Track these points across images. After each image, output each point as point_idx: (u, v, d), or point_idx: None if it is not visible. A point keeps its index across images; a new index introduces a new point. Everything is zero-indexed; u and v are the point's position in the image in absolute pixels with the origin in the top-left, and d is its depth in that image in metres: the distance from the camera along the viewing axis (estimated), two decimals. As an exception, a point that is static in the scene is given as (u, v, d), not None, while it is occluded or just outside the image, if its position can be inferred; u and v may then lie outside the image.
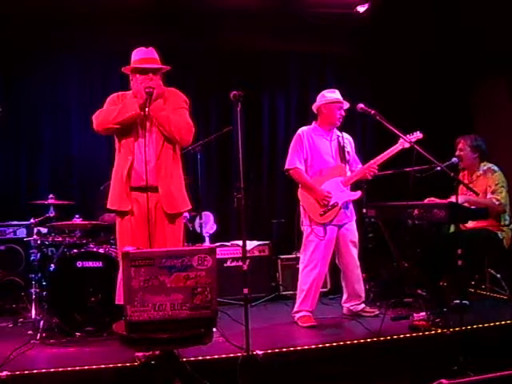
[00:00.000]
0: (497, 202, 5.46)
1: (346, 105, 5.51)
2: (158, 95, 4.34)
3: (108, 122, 4.30)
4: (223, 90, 4.91)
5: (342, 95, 5.54)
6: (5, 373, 3.89)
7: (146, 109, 4.27)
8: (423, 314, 4.97)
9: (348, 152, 5.57)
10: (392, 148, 5.42)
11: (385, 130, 5.04)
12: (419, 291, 5.66)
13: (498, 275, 5.96)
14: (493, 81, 7.67)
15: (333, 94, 5.50)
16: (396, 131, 5.08)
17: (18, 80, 6.98)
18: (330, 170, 5.44)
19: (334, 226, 5.36)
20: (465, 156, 5.70)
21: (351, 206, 5.54)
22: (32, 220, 5.70)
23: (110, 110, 4.36)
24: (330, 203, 5.31)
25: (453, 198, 5.03)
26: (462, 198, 5.21)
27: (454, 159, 5.56)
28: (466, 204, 5.23)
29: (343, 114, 5.48)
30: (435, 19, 6.99)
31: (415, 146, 5.00)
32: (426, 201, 5.59)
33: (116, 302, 4.14)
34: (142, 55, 4.43)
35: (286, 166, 5.48)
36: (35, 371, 4.02)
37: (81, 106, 7.07)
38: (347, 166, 5.54)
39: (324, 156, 5.44)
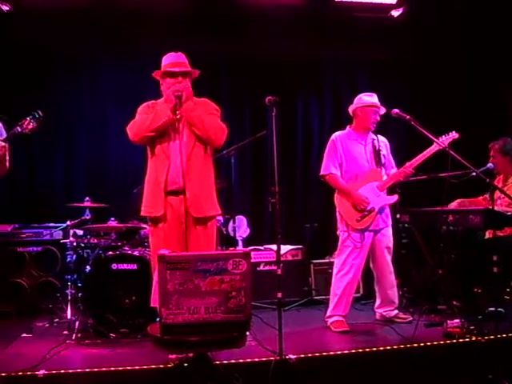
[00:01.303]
0: (532, 207, 5.39)
1: (382, 110, 5.48)
2: (188, 97, 4.38)
3: (143, 130, 4.35)
4: (257, 94, 4.93)
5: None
6: (42, 372, 3.95)
7: (177, 112, 4.31)
8: (457, 321, 4.89)
9: (384, 155, 5.55)
10: (428, 150, 5.37)
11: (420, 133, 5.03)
12: (453, 298, 5.59)
13: (535, 283, 5.87)
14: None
15: (370, 98, 5.48)
16: (430, 135, 5.06)
17: (56, 85, 7.13)
18: (366, 175, 5.42)
19: (370, 231, 5.34)
20: (497, 162, 5.66)
21: (387, 211, 5.51)
22: (68, 222, 5.80)
23: (143, 118, 4.40)
24: (367, 208, 5.30)
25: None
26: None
27: (490, 165, 5.52)
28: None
29: (378, 118, 5.46)
30: (472, 21, 6.93)
31: (450, 152, 4.96)
32: (454, 202, 5.56)
33: (151, 305, 4.17)
34: (171, 59, 4.49)
35: (322, 172, 5.47)
36: (71, 371, 4.08)
37: (118, 110, 7.17)
38: (383, 170, 5.51)
39: (359, 160, 5.43)
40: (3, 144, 4.76)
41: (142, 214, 4.54)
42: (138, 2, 6.67)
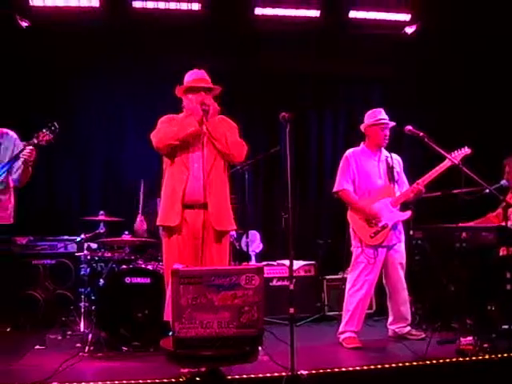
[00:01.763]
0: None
1: (391, 124, 5.50)
2: (213, 113, 4.43)
3: (169, 138, 4.40)
4: (272, 110, 4.97)
5: (390, 116, 5.54)
6: (54, 384, 3.98)
7: (203, 125, 4.36)
8: (470, 338, 4.87)
9: (397, 172, 5.57)
10: (440, 166, 5.38)
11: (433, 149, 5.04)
12: (466, 315, 5.56)
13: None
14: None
15: (376, 115, 5.52)
16: (443, 152, 5.08)
17: (73, 98, 7.21)
18: (378, 191, 5.44)
19: (383, 247, 5.34)
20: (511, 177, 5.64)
21: (400, 227, 5.51)
22: (82, 235, 5.84)
23: (170, 127, 4.47)
24: (380, 224, 5.30)
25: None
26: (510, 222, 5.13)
27: (503, 182, 5.53)
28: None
29: (387, 133, 5.47)
30: (482, 38, 6.95)
31: (463, 169, 4.97)
32: None
33: (164, 319, 4.18)
34: (194, 76, 4.58)
35: (335, 189, 5.49)
36: (83, 383, 4.10)
37: (134, 124, 7.27)
38: (396, 186, 5.52)
39: (372, 177, 5.45)
40: (31, 148, 4.84)
41: (157, 223, 4.57)
42: (155, 19, 6.76)
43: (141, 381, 4.12)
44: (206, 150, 4.41)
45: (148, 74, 7.32)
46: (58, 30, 6.67)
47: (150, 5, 6.74)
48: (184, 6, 6.76)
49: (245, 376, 4.15)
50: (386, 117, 5.51)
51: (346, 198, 5.43)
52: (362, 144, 5.59)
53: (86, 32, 6.72)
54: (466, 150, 5.41)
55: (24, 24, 6.65)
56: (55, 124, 4.85)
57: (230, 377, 4.01)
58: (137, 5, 6.71)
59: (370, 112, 5.56)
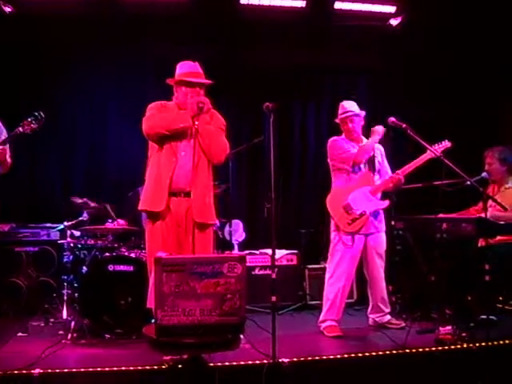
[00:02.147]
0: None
1: (357, 114, 5.53)
2: (207, 110, 4.45)
3: (161, 127, 4.42)
4: (256, 100, 4.98)
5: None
6: (37, 370, 3.98)
7: (196, 122, 4.38)
8: (449, 328, 4.93)
9: (379, 162, 5.62)
10: (420, 157, 5.45)
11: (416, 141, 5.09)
12: (446, 305, 5.64)
13: (528, 290, 5.93)
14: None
15: (341, 108, 5.59)
16: (425, 143, 5.12)
17: (57, 85, 7.18)
18: (359, 179, 5.49)
19: (361, 235, 5.40)
20: (494, 169, 5.70)
21: (381, 217, 5.57)
22: (66, 223, 5.83)
23: (163, 116, 4.49)
24: (358, 212, 5.35)
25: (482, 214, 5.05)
26: (489, 213, 5.20)
27: (484, 174, 5.57)
28: (493, 219, 5.22)
29: (351, 126, 5.50)
30: (467, 32, 6.99)
31: (444, 160, 5.03)
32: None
33: (147, 306, 4.21)
34: (188, 69, 4.59)
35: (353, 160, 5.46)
36: (66, 370, 4.10)
37: (116, 111, 7.27)
38: (377, 175, 5.58)
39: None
40: (1, 147, 4.82)
41: (140, 207, 4.58)
42: (142, 8, 6.72)
43: (123, 368, 4.14)
44: (195, 141, 4.43)
45: (133, 63, 7.31)
46: (43, 17, 6.61)
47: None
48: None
49: (227, 363, 4.18)
50: (351, 108, 5.54)
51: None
52: (343, 134, 5.64)
53: (71, 19, 6.66)
54: (447, 144, 5.48)
55: (7, 9, 6.58)
56: (41, 113, 4.82)
57: (211, 364, 4.05)
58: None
59: (339, 105, 5.63)
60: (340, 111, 5.58)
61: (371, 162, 5.56)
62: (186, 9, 6.74)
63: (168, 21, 6.79)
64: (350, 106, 5.55)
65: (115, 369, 4.13)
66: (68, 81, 7.19)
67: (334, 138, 5.62)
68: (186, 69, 4.60)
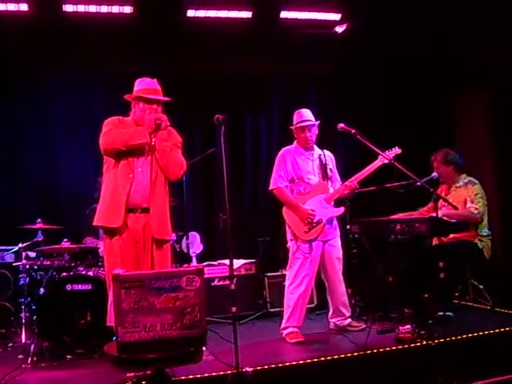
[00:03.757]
0: (475, 211, 5.64)
1: (315, 123, 5.58)
2: (164, 127, 4.44)
3: (118, 143, 4.40)
4: (207, 112, 5.01)
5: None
6: (-3, 398, 3.93)
7: (153, 138, 4.37)
8: (408, 326, 5.03)
9: (330, 169, 5.69)
10: (372, 164, 5.52)
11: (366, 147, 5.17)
12: (404, 305, 5.74)
13: (481, 286, 6.07)
14: (472, 94, 7.80)
15: (296, 117, 5.64)
16: (375, 149, 5.21)
17: (3, 104, 7.04)
18: (313, 188, 5.54)
19: (319, 241, 5.45)
20: (441, 172, 5.87)
21: (335, 223, 5.64)
22: (20, 245, 5.73)
23: (121, 132, 4.47)
24: (315, 220, 5.41)
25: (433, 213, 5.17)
26: (440, 212, 5.33)
27: (434, 174, 5.71)
28: (445, 218, 5.35)
29: (307, 135, 5.54)
30: (414, 35, 7.11)
31: (395, 163, 5.13)
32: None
33: (107, 324, 4.18)
34: (146, 85, 4.61)
35: (270, 187, 5.57)
36: (28, 395, 4.07)
37: (66, 128, 7.18)
38: (330, 183, 5.64)
39: (307, 174, 5.54)
40: None
41: (95, 223, 4.55)
42: (86, 21, 6.65)
43: (86, 388, 4.13)
44: (152, 157, 4.42)
45: (80, 79, 7.23)
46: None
47: (81, 8, 6.61)
48: (116, 9, 6.67)
49: (191, 376, 4.20)
50: (308, 117, 5.59)
51: (281, 195, 5.52)
52: (295, 142, 5.69)
53: (16, 36, 6.56)
54: (397, 150, 5.58)
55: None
56: None
57: (175, 378, 4.05)
58: (68, 8, 6.55)
59: (295, 113, 5.67)
60: (297, 119, 5.61)
61: (324, 170, 5.62)
62: (130, 22, 6.71)
63: (115, 35, 6.74)
64: (308, 115, 5.60)
65: (78, 390, 4.10)
66: (14, 100, 7.05)
67: (284, 150, 5.65)
68: (144, 85, 4.61)
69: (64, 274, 5.39)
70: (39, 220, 5.75)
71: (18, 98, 7.08)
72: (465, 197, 5.75)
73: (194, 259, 6.76)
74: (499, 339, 5.00)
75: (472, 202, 5.68)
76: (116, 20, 6.72)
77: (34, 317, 5.28)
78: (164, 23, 6.86)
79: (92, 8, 6.58)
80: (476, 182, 5.83)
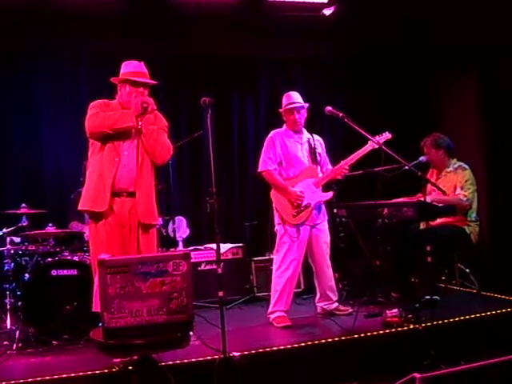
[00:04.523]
0: (464, 198, 5.64)
1: (304, 106, 5.55)
2: (151, 110, 4.40)
3: (104, 126, 4.34)
4: (193, 94, 4.97)
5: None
6: (-18, 384, 3.89)
7: (140, 122, 4.32)
8: (395, 310, 5.04)
9: (319, 153, 5.67)
10: (362, 149, 5.49)
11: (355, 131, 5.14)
12: (391, 288, 5.75)
13: (467, 270, 6.10)
14: (460, 77, 7.74)
15: (285, 99, 5.59)
16: (364, 133, 5.17)
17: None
18: (302, 172, 5.52)
19: (306, 225, 5.43)
20: (431, 156, 5.86)
21: (323, 207, 5.62)
22: (4, 230, 5.67)
23: (107, 115, 4.40)
24: (303, 204, 5.39)
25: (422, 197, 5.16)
26: (429, 197, 5.32)
27: (422, 158, 5.71)
28: (433, 202, 5.34)
29: (297, 117, 5.51)
30: (401, 17, 7.08)
31: (383, 147, 5.11)
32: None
33: (93, 310, 4.15)
34: (133, 68, 4.54)
35: (259, 169, 5.54)
36: (13, 382, 4.01)
37: (51, 112, 7.08)
38: (318, 168, 5.62)
39: (295, 158, 5.52)
40: None
41: (80, 207, 4.49)
42: (75, 3, 6.56)
43: (73, 374, 4.09)
44: (138, 141, 4.36)
45: (66, 62, 7.13)
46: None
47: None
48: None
49: (178, 362, 4.20)
50: (297, 100, 5.54)
51: (270, 178, 5.49)
52: (284, 125, 5.66)
53: (3, 16, 6.45)
54: (387, 135, 5.55)
55: None
56: None
57: (162, 363, 4.03)
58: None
59: (284, 95, 5.63)
60: (286, 101, 5.57)
61: (313, 154, 5.60)
62: (120, 4, 6.63)
63: (101, 16, 6.64)
64: (297, 97, 5.56)
65: (64, 376, 4.08)
66: None
67: (273, 132, 5.61)
68: (130, 68, 4.54)
69: (49, 259, 5.33)
70: (23, 205, 5.68)
71: (0, 82, 6.97)
72: (454, 182, 5.75)
73: (181, 243, 6.73)
74: (485, 322, 5.03)
75: (462, 189, 5.68)
76: (102, 1, 6.63)
77: (19, 303, 5.23)
78: (150, 5, 6.78)
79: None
80: (466, 167, 5.82)
